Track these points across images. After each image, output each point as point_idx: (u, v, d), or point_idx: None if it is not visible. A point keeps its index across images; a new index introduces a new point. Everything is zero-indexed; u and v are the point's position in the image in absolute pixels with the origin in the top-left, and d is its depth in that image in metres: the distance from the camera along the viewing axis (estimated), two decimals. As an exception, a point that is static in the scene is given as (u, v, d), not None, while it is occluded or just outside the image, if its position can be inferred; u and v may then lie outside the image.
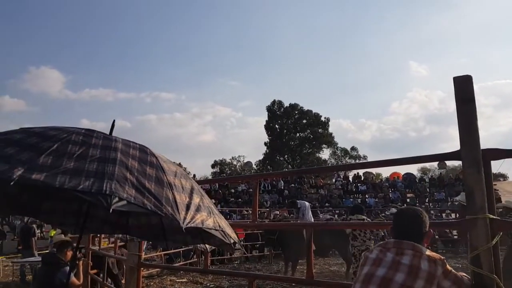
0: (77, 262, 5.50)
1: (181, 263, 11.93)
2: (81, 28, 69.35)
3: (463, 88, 2.19)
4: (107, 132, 2.25)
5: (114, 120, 2.33)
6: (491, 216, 2.13)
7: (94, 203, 2.71)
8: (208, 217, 2.01)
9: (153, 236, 3.04)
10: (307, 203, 12.32)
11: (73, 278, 4.93)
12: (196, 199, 2.01)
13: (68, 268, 4.92)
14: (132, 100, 71.83)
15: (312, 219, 11.35)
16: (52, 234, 11.09)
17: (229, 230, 2.23)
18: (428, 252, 2.05)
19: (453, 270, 2.06)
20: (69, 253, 5.14)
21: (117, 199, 1.64)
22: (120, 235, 3.29)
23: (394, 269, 2.01)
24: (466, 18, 72.59)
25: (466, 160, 2.17)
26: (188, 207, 1.91)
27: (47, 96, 68.80)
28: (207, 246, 2.68)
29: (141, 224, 3.00)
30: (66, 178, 1.63)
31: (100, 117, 69.86)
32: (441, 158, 2.50)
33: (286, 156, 48.86)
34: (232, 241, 2.20)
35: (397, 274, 1.98)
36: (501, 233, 2.24)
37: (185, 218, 1.82)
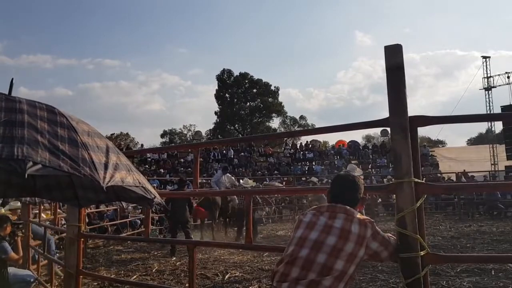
0: (16, 237, 5.43)
1: (128, 233, 11.80)
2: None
3: (393, 57, 2.23)
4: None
5: (12, 79, 2.13)
6: (416, 180, 2.23)
7: None
8: (127, 174, 1.96)
9: (64, 197, 2.88)
10: (219, 174, 13.44)
11: (11, 253, 4.93)
12: (113, 158, 1.95)
13: (6, 243, 4.94)
14: (73, 67, 68.50)
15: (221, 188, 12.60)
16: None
17: (149, 186, 2.21)
18: (358, 215, 2.12)
19: (381, 232, 2.15)
20: (8, 228, 5.11)
21: (31, 163, 1.54)
22: (28, 199, 3.18)
23: (326, 233, 2.06)
24: (411, -11, 74.47)
25: (393, 127, 2.23)
26: (106, 166, 1.85)
27: (-20, 61, 63.92)
28: (123, 203, 2.63)
29: (50, 186, 2.84)
30: None
31: (39, 85, 66.18)
32: (370, 125, 2.57)
33: (236, 125, 48.87)
34: (153, 196, 2.19)
35: (328, 237, 2.04)
36: (425, 196, 2.37)
37: (104, 178, 1.77)
